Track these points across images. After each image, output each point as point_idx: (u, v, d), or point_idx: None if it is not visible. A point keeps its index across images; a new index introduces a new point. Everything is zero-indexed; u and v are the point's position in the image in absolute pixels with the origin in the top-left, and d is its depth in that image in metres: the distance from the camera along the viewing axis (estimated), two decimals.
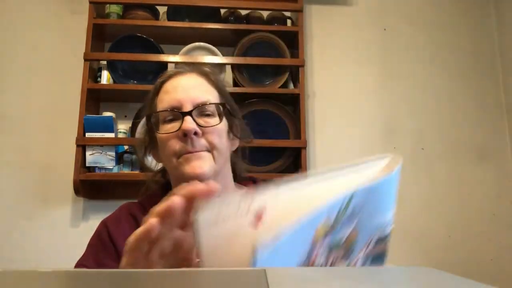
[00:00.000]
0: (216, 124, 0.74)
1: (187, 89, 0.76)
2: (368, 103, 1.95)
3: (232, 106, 0.81)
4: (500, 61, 2.06)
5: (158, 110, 0.77)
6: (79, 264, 0.75)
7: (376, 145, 1.91)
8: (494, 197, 1.92)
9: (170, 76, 0.79)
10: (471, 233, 1.86)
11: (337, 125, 1.92)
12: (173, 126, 0.74)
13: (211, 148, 0.74)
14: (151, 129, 0.79)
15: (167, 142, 0.73)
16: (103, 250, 0.75)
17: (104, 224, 0.78)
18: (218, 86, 0.80)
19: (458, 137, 1.96)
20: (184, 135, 0.71)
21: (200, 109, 0.74)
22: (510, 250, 1.86)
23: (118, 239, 0.74)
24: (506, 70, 2.03)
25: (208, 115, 0.75)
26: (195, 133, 0.71)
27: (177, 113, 0.73)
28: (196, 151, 0.72)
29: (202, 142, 0.73)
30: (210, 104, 0.75)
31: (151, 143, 0.81)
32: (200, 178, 0.71)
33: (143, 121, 1.68)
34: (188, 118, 0.72)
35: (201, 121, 0.73)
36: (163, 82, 0.79)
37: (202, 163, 0.72)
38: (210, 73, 0.81)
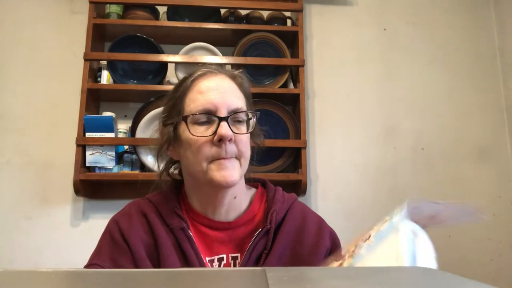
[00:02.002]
0: (246, 133, 0.76)
1: (222, 92, 0.75)
2: (368, 103, 1.96)
3: (255, 111, 0.81)
4: (500, 61, 2.06)
5: (190, 109, 0.75)
6: (94, 264, 0.74)
7: (376, 145, 1.91)
8: (494, 197, 1.92)
9: (202, 75, 0.78)
10: (471, 233, 1.86)
11: (337, 125, 1.92)
12: (206, 129, 0.74)
13: (239, 156, 0.75)
14: (177, 128, 0.78)
15: (200, 146, 0.73)
16: (117, 249, 0.74)
17: (115, 222, 0.78)
18: (245, 91, 0.81)
19: (458, 137, 1.96)
20: (219, 141, 0.72)
21: (234, 116, 0.75)
22: (510, 250, 1.86)
23: (131, 237, 0.74)
24: (506, 70, 2.03)
25: (239, 122, 0.76)
26: (229, 140, 0.72)
27: (213, 117, 0.74)
28: (229, 158, 0.73)
29: (233, 149, 0.73)
30: (243, 112, 0.76)
31: (174, 140, 0.79)
32: (230, 184, 0.73)
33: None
34: (224, 124, 0.72)
35: (234, 128, 0.74)
36: (194, 80, 0.78)
37: (233, 171, 0.73)
38: (238, 76, 0.82)
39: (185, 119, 0.75)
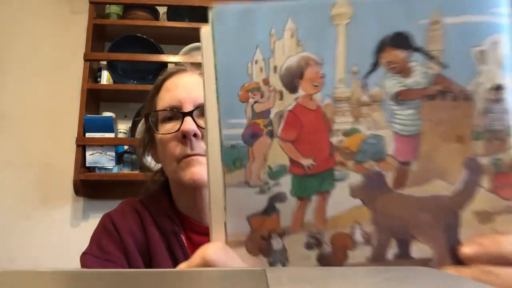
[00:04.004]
0: None
1: (189, 88, 0.72)
2: None
3: None
4: None
5: (158, 108, 0.74)
6: (84, 253, 0.73)
7: None
8: None
9: (172, 74, 0.77)
10: None
11: None
12: (173, 126, 0.70)
13: None
14: (150, 128, 0.76)
15: (166, 144, 0.70)
16: (107, 236, 0.72)
17: (108, 216, 0.76)
18: None
19: None
20: (184, 137, 0.68)
21: (201, 110, 0.69)
22: None
23: (123, 231, 0.72)
24: None
25: None
26: (195, 135, 0.68)
27: (177, 113, 0.70)
28: (195, 155, 0.68)
29: (201, 145, 0.68)
30: None
31: (150, 143, 0.78)
32: (198, 184, 0.68)
33: (143, 119, 1.67)
34: (188, 119, 0.68)
35: (202, 122, 0.69)
36: (164, 80, 0.76)
37: (201, 169, 0.67)
38: None
39: (148, 117, 0.74)
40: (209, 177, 0.27)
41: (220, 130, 0.26)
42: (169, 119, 0.72)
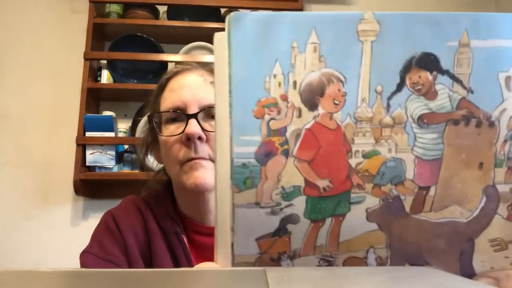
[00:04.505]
0: None
1: (194, 88, 0.70)
2: None
3: None
4: None
5: (161, 109, 0.72)
6: (85, 251, 0.72)
7: None
8: None
9: (177, 73, 0.74)
10: None
11: None
12: (177, 128, 0.69)
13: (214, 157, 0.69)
14: (154, 129, 0.74)
15: (170, 146, 0.69)
16: (109, 236, 0.71)
17: (110, 214, 0.75)
18: None
19: None
20: (188, 140, 0.66)
21: (207, 112, 0.68)
22: None
23: (126, 230, 0.71)
24: None
25: (213, 118, 0.71)
26: (199, 138, 0.66)
27: (182, 115, 0.69)
28: (199, 158, 0.66)
29: (205, 148, 0.67)
30: None
31: (153, 143, 0.77)
32: (201, 189, 0.67)
33: (145, 119, 1.68)
34: (192, 121, 0.66)
35: (207, 124, 0.67)
36: (169, 79, 0.74)
37: (205, 173, 0.66)
38: None
39: (152, 118, 0.72)
40: (217, 196, 0.26)
41: (231, 147, 0.25)
42: (173, 120, 0.70)
